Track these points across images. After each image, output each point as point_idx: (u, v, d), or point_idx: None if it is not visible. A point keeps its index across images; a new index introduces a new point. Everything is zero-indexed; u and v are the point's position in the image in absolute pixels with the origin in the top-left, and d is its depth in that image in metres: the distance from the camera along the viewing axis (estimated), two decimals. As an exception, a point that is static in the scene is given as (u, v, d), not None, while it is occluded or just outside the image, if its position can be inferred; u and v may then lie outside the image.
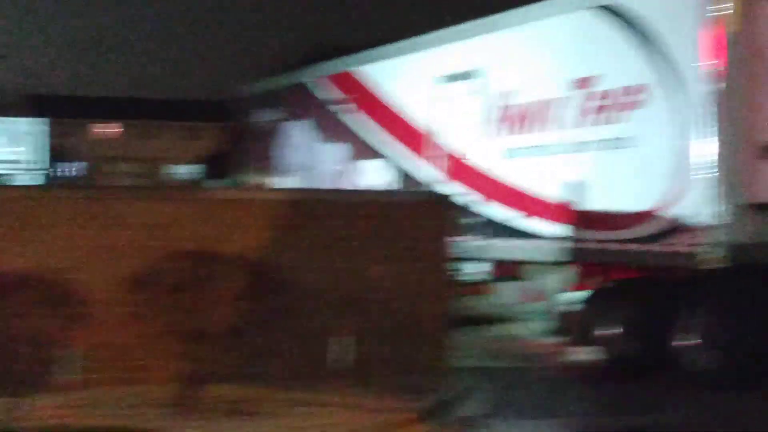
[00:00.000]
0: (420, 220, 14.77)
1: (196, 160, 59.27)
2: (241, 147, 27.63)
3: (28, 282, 11.02)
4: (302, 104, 23.56)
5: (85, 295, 11.55)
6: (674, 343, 15.00)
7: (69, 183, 55.21)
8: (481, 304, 18.16)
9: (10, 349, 10.67)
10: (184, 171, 58.23)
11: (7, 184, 41.39)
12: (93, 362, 11.01)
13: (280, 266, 12.75)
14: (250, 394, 12.02)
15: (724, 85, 13.89)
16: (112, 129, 70.62)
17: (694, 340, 14.78)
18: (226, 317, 11.85)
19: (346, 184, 21.30)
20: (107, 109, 74.63)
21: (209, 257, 12.18)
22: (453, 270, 15.34)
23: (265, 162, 25.14)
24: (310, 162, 22.83)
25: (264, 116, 25.63)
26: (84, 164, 63.51)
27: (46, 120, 54.56)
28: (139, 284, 12.02)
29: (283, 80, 25.50)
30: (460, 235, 15.99)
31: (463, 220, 16.64)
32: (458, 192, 17.09)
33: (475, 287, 17.92)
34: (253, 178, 25.55)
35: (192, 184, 29.85)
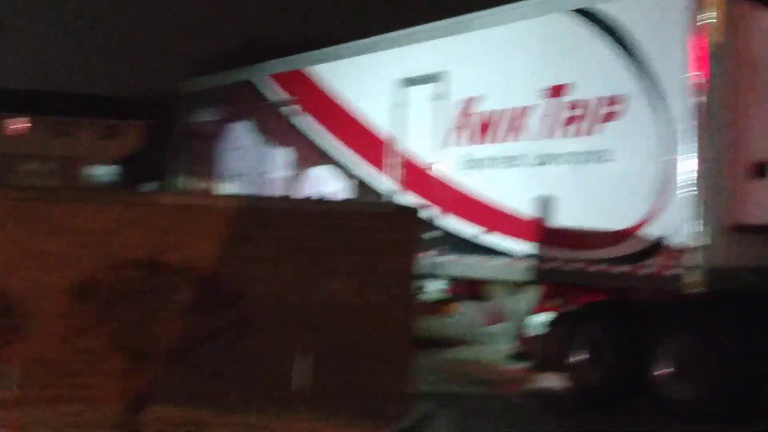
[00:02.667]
0: (381, 232, 14.56)
1: (115, 161, 59.14)
2: (172, 148, 27.23)
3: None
4: (247, 104, 23.27)
5: (19, 305, 11.17)
6: (646, 372, 14.87)
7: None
8: (442, 325, 17.92)
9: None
10: (101, 172, 57.68)
11: None
12: (29, 378, 10.63)
13: (231, 278, 12.50)
14: (198, 417, 11.83)
15: (706, 98, 13.83)
16: (19, 124, 69.30)
17: (667, 369, 14.66)
18: (174, 332, 11.54)
19: (295, 192, 21.08)
20: (13, 102, 71.69)
21: (156, 267, 11.85)
22: (416, 288, 15.05)
23: (202, 165, 24.79)
24: (255, 167, 22.62)
25: (202, 116, 25.21)
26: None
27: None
28: (79, 295, 11.63)
29: (226, 77, 25.17)
30: (421, 250, 15.69)
31: (425, 235, 16.35)
32: (419, 204, 16.74)
33: (436, 307, 17.73)
34: (186, 183, 25.17)
35: (134, 188, 29.41)
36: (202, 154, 24.83)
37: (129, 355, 11.45)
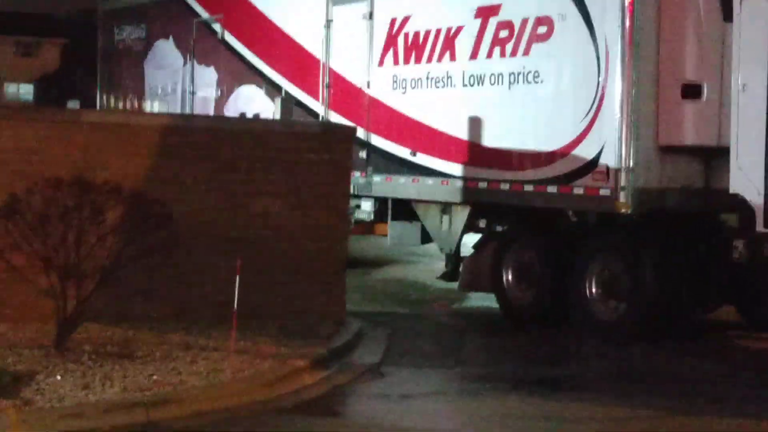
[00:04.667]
0: (314, 152, 14.63)
1: (34, 80, 58.25)
2: (94, 66, 26.85)
3: None
4: (170, 20, 22.96)
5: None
6: (578, 290, 15.01)
7: None
8: (372, 245, 17.91)
9: None
10: (18, 91, 56.62)
11: None
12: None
13: (160, 197, 12.26)
14: (127, 336, 11.91)
15: (634, 19, 13.82)
16: None
17: (597, 288, 14.86)
18: (101, 252, 11.43)
19: (223, 111, 20.90)
20: None
21: (83, 186, 11.66)
22: (347, 208, 15.08)
23: (126, 83, 24.48)
24: (181, 85, 22.29)
25: (125, 32, 24.80)
26: None
27: None
28: (5, 212, 11.44)
29: None
30: (353, 170, 15.71)
31: (357, 155, 16.36)
32: (352, 126, 16.61)
33: (368, 226, 17.61)
34: (111, 101, 24.78)
35: (57, 106, 28.99)
36: (126, 72, 24.55)
37: (56, 273, 11.37)
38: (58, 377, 10.06)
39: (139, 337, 11.78)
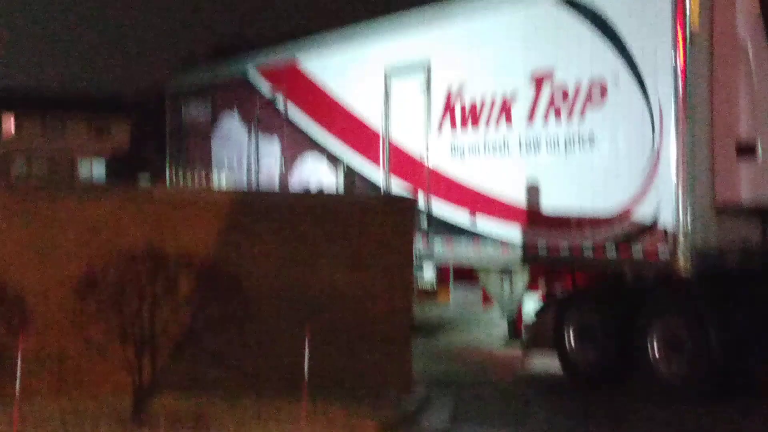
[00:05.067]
0: (378, 223, 14.70)
1: (104, 157, 58.80)
2: (162, 142, 27.26)
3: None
4: (235, 96, 23.24)
5: (25, 298, 11.23)
6: (637, 352, 15.00)
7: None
8: (437, 310, 17.95)
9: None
10: (91, 168, 57.08)
11: None
12: (33, 370, 10.57)
13: (230, 269, 12.47)
14: (202, 405, 11.95)
15: (686, 80, 13.90)
16: (11, 124, 68.31)
17: (659, 346, 14.78)
18: (176, 322, 11.57)
19: (288, 182, 21.08)
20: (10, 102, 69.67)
21: (156, 260, 11.80)
22: (411, 277, 15.26)
23: (194, 158, 24.78)
24: (248, 159, 22.50)
25: (191, 109, 25.19)
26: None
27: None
28: (82, 288, 11.62)
29: (212, 71, 25.10)
30: (416, 238, 15.85)
31: (420, 223, 16.53)
32: (413, 194, 16.75)
33: (431, 293, 17.65)
34: (179, 175, 25.09)
35: (131, 184, 29.32)
36: (194, 146, 24.87)
37: (132, 345, 11.53)
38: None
39: (213, 406, 11.84)
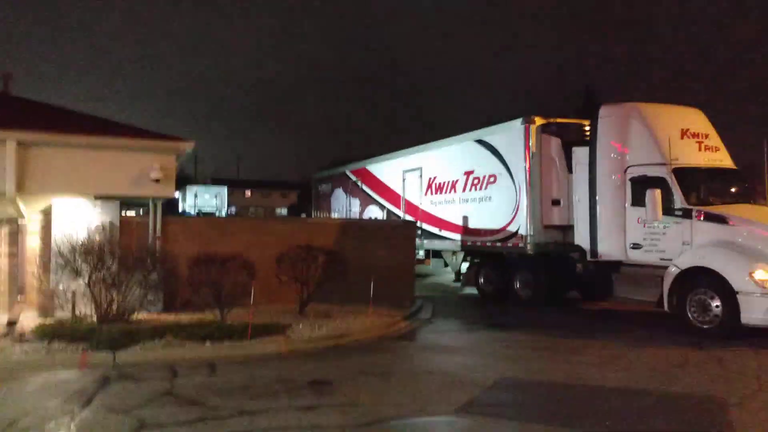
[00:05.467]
0: (400, 232, 14.64)
1: (286, 208, 59.57)
2: (311, 202, 27.22)
3: (233, 258, 10.73)
4: (342, 182, 22.97)
5: (257, 264, 11.12)
6: (512, 285, 14.84)
7: (242, 215, 53.63)
8: (424, 268, 17.82)
9: (222, 288, 10.29)
10: (282, 212, 56.99)
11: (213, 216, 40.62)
12: (259, 294, 10.47)
13: (339, 252, 12.49)
14: (330, 309, 11.82)
15: (529, 173, 13.72)
16: (249, 193, 68.93)
17: (520, 285, 14.63)
18: (319, 275, 11.55)
19: (363, 217, 20.79)
20: (242, 185, 70.54)
21: (309, 248, 11.90)
22: (414, 254, 15.10)
23: (324, 208, 24.47)
24: (347, 208, 22.24)
25: (323, 186, 24.96)
26: (235, 209, 61.41)
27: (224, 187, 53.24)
28: (279, 260, 11.73)
29: (332, 170, 24.80)
30: (416, 239, 15.64)
31: (418, 233, 16.41)
32: (414, 221, 16.65)
33: (422, 261, 17.54)
34: (318, 215, 25.05)
35: (297, 217, 29.32)
36: (323, 203, 24.47)
37: (299, 284, 11.55)
38: (300, 326, 10.14)
39: (332, 309, 11.74)
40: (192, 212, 45.67)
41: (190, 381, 7.12)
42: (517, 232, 14.00)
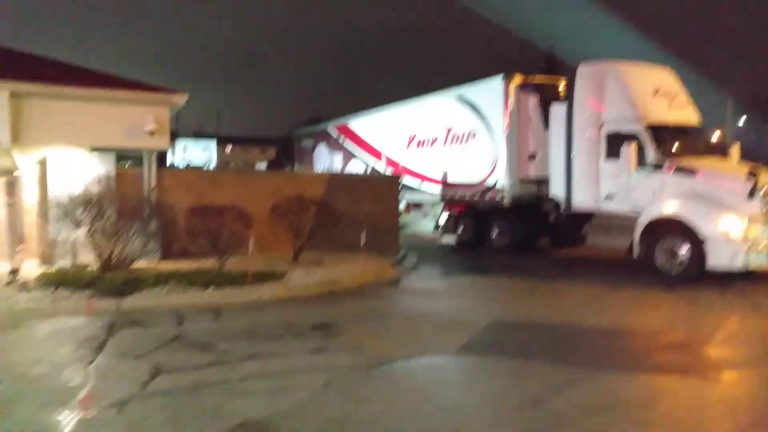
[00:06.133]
0: (386, 186, 14.35)
1: (267, 162, 58.37)
2: (289, 158, 26.53)
3: (228, 209, 10.42)
4: (324, 138, 22.24)
5: (251, 214, 10.96)
6: (488, 234, 14.68)
7: (233, 170, 52.56)
8: (406, 218, 17.56)
9: (221, 237, 9.97)
10: (261, 166, 55.92)
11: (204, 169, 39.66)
12: (257, 243, 10.16)
13: (329, 202, 12.25)
14: (322, 257, 11.62)
15: (508, 129, 13.47)
16: (230, 149, 67.17)
17: (497, 233, 14.51)
18: (310, 225, 11.30)
19: (347, 171, 20.33)
20: (225, 140, 67.99)
21: (301, 199, 11.65)
22: (397, 206, 14.87)
23: (306, 162, 23.72)
24: (329, 164, 21.61)
25: (305, 143, 24.10)
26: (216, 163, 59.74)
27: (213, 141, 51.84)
28: (272, 211, 11.49)
29: (315, 127, 23.95)
30: (399, 192, 15.35)
31: (401, 187, 16.11)
32: (398, 175, 16.33)
33: (404, 212, 17.29)
34: (300, 169, 24.46)
35: (287, 170, 28.73)
36: (306, 159, 23.59)
37: (292, 232, 11.26)
38: (295, 273, 9.89)
39: (324, 257, 11.50)
40: (180, 166, 44.32)
41: (197, 326, 6.84)
42: (494, 185, 13.81)
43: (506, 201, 13.55)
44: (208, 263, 10.06)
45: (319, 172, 21.42)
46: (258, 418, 4.15)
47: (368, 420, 4.15)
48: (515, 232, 14.06)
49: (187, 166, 41.54)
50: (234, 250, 9.89)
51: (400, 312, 7.87)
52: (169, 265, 10.18)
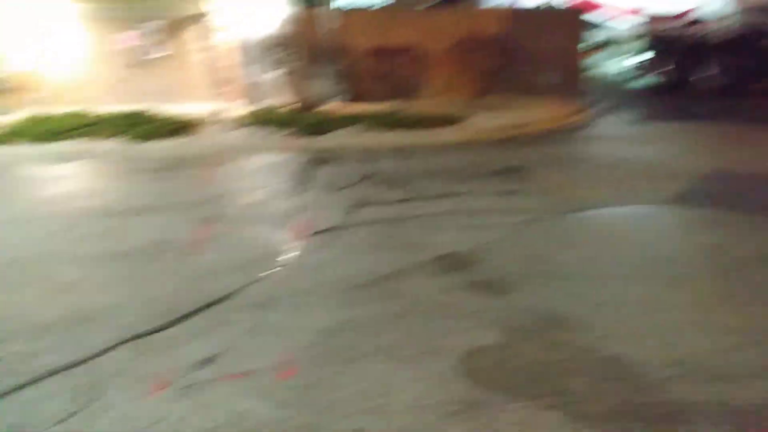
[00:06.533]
0: (570, 21, 12.50)
1: None
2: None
3: (404, 50, 10.08)
4: None
5: (426, 54, 10.53)
6: (694, 74, 12.54)
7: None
8: (597, 58, 15.54)
9: (398, 79, 9.85)
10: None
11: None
12: (433, 86, 10.02)
13: (515, 44, 11.18)
14: (505, 99, 10.99)
15: None
16: None
17: (705, 72, 12.40)
18: (489, 66, 10.56)
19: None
20: None
21: (480, 38, 10.80)
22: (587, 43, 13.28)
23: None
24: None
25: None
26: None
27: None
28: (449, 50, 10.93)
29: None
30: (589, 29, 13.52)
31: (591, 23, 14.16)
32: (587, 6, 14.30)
33: (595, 50, 15.25)
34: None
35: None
36: None
37: (477, 75, 10.63)
38: (478, 116, 9.50)
39: (507, 100, 10.83)
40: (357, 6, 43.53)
41: (389, 165, 7.08)
42: (704, 16, 11.61)
43: (719, 34, 11.41)
44: (391, 105, 10.11)
45: (499, 7, 19.78)
46: (458, 250, 4.27)
47: (573, 262, 4.06)
48: (727, 72, 11.99)
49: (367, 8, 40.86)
50: (415, 92, 9.80)
51: (595, 158, 7.35)
52: (354, 107, 10.47)
